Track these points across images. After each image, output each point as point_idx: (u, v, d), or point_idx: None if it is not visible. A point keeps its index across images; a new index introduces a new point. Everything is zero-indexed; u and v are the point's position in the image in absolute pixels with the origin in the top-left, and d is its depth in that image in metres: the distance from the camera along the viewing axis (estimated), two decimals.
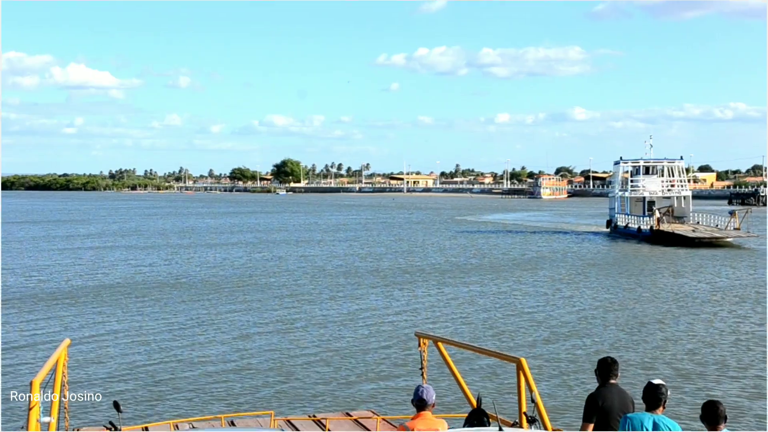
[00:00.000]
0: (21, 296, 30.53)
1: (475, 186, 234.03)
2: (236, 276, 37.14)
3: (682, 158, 62.88)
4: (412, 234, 66.25)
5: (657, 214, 55.78)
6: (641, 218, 58.14)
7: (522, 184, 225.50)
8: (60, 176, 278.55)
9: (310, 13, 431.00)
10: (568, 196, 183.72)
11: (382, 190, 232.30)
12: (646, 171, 61.72)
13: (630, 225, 59.18)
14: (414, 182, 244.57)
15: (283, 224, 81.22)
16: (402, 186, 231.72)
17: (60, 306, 28.28)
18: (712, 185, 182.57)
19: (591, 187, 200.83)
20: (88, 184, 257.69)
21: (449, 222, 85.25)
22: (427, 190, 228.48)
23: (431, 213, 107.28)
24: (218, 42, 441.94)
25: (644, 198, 60.42)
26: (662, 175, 61.12)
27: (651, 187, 60.70)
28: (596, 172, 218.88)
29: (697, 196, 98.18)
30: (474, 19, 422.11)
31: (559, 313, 27.03)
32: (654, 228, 54.55)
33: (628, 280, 35.91)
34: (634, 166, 62.44)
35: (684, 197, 60.23)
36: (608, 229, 64.15)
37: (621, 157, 64.52)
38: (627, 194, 61.54)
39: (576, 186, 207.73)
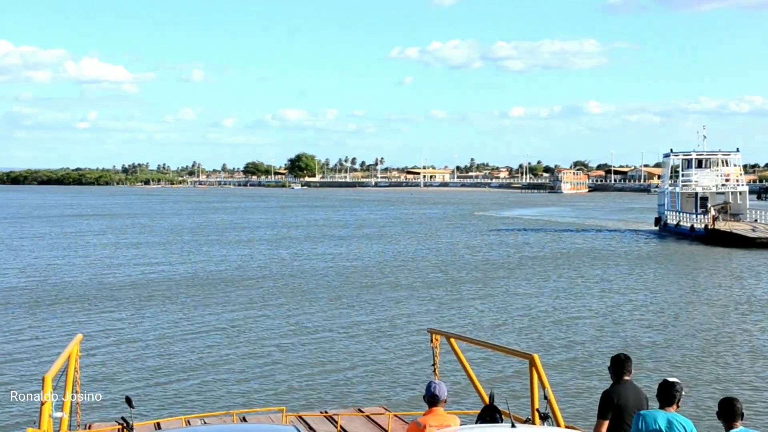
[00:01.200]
0: (34, 293, 29.68)
1: (493, 180, 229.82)
2: (253, 274, 35.74)
3: (738, 150, 58.49)
4: (438, 230, 63.20)
5: (712, 212, 51.44)
6: (694, 216, 53.93)
7: (538, 179, 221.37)
8: (73, 170, 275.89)
9: (323, 7, 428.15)
10: (589, 191, 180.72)
11: (399, 184, 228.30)
12: (699, 164, 57.43)
13: (682, 223, 54.84)
14: (431, 176, 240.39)
15: (303, 220, 78.14)
16: (419, 180, 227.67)
17: (72, 302, 27.56)
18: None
19: (612, 181, 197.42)
20: (101, 179, 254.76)
21: (474, 218, 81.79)
22: (444, 184, 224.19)
23: (453, 208, 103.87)
24: (231, 36, 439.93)
25: (696, 194, 56.18)
26: (717, 167, 56.83)
27: (704, 181, 56.41)
28: (613, 166, 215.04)
29: None
30: (488, 12, 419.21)
31: (609, 313, 25.61)
32: (709, 227, 50.17)
33: (687, 282, 33.19)
34: (685, 159, 58.12)
35: (740, 193, 55.97)
36: (657, 227, 59.91)
37: (671, 149, 60.24)
38: (678, 189, 57.20)
39: (595, 180, 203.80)
